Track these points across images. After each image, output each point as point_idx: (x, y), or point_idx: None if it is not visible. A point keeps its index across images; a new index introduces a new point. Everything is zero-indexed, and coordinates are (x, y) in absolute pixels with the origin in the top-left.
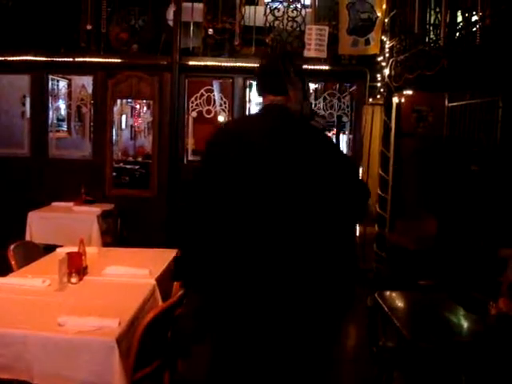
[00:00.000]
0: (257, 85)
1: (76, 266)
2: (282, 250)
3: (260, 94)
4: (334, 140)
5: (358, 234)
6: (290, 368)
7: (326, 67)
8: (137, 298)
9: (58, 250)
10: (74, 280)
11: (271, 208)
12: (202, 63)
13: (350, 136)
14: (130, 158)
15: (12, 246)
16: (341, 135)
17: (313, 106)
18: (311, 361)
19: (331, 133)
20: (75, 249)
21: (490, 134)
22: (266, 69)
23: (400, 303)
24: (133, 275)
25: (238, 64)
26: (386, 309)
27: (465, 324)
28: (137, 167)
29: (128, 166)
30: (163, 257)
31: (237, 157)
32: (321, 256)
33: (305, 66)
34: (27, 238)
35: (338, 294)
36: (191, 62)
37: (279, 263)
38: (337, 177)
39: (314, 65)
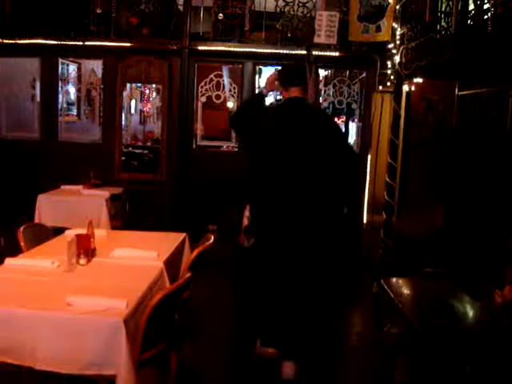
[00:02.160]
0: (282, 80)
1: (85, 248)
2: (301, 198)
3: (284, 87)
4: (344, 127)
5: (365, 221)
6: (306, 272)
7: (336, 54)
8: (145, 279)
9: (67, 232)
10: (82, 261)
11: (297, 170)
12: (212, 48)
13: (360, 124)
14: (139, 143)
15: (21, 228)
16: (350, 123)
17: (323, 92)
18: (320, 270)
19: (340, 120)
20: (84, 231)
21: (499, 123)
22: (292, 66)
23: (405, 289)
24: (141, 258)
25: (247, 49)
26: (391, 295)
27: (470, 311)
28: (145, 152)
29: (137, 151)
30: (171, 240)
31: (275, 140)
32: (326, 203)
33: (315, 53)
34: (36, 220)
35: (337, 228)
36: (201, 47)
37: (300, 206)
38: (337, 148)
39: (324, 51)
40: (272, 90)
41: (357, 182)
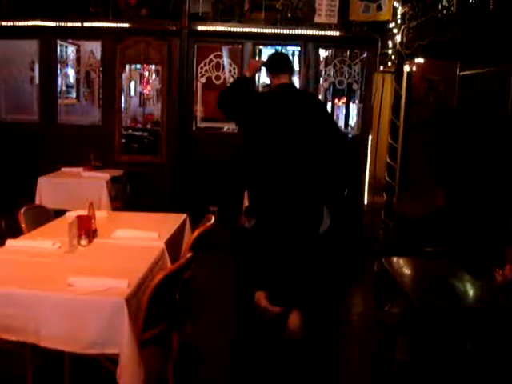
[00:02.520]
0: (272, 68)
1: (86, 229)
2: (292, 171)
3: (274, 74)
4: (344, 108)
5: (366, 202)
6: (297, 238)
7: (337, 33)
8: (146, 260)
9: (68, 213)
10: (83, 242)
11: (288, 150)
12: (212, 28)
13: (360, 105)
14: (139, 125)
15: (22, 210)
16: (350, 104)
17: (323, 72)
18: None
19: (340, 102)
20: (85, 213)
21: (501, 103)
22: (280, 54)
23: (406, 269)
24: (142, 238)
25: (247, 29)
26: (392, 274)
27: (470, 290)
28: (145, 134)
29: (137, 133)
30: (172, 221)
31: (268, 122)
32: (314, 175)
33: (315, 32)
34: (37, 203)
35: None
36: (200, 28)
37: (291, 178)
38: (326, 129)
39: (324, 31)
40: (254, 74)
41: (346, 161)
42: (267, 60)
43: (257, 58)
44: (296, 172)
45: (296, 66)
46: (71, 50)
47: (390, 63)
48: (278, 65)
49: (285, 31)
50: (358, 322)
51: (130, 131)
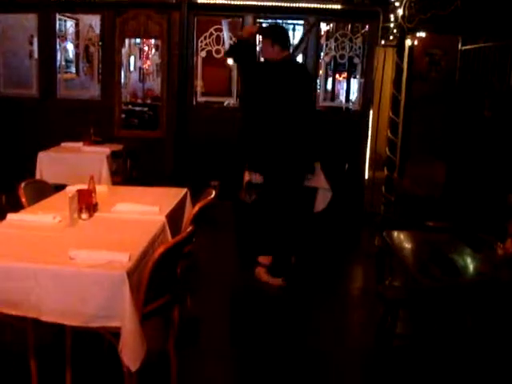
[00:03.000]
0: (282, 42)
1: (86, 203)
2: (288, 125)
3: (281, 48)
4: (345, 83)
5: (367, 177)
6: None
7: (338, 6)
8: (147, 233)
9: (68, 187)
10: (84, 216)
11: (285, 109)
12: (212, 1)
13: (362, 79)
14: (139, 101)
15: (22, 184)
16: (351, 78)
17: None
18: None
19: (342, 77)
20: (85, 187)
21: (502, 78)
22: (284, 30)
23: (407, 243)
24: (143, 212)
25: (247, 2)
26: (393, 248)
27: (471, 264)
28: (145, 109)
29: (137, 108)
30: (173, 195)
31: (271, 84)
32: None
33: (316, 5)
34: (37, 177)
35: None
36: (200, 0)
37: (287, 131)
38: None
39: (325, 4)
40: (248, 39)
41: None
42: (270, 30)
43: (255, 26)
44: (289, 129)
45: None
46: (70, 24)
47: (391, 37)
48: (287, 40)
49: (285, 4)
50: (359, 295)
51: (129, 106)
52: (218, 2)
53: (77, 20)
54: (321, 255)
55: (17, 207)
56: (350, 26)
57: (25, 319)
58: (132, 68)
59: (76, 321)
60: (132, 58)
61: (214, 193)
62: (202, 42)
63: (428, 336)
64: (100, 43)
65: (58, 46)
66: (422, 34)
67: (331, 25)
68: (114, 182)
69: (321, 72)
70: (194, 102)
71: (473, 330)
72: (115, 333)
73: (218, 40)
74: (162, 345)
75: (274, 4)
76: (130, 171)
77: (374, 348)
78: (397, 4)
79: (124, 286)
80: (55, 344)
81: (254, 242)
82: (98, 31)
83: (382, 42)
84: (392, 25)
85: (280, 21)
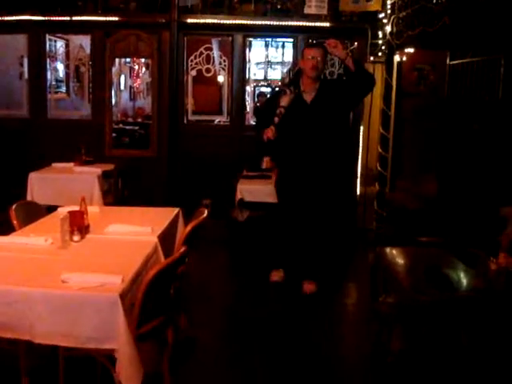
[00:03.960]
0: None
1: (78, 224)
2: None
3: None
4: None
5: (358, 193)
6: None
7: (327, 24)
8: (139, 255)
9: (60, 209)
10: (76, 238)
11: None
12: (201, 21)
13: None
14: (130, 119)
15: (14, 206)
16: None
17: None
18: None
19: None
20: (77, 208)
21: (491, 92)
22: None
23: (400, 259)
24: (135, 233)
25: (237, 21)
26: (386, 264)
27: (465, 279)
28: (136, 128)
29: (128, 127)
30: (165, 215)
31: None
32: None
33: (305, 23)
34: (28, 199)
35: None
36: (190, 20)
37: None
38: None
39: (314, 22)
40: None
41: None
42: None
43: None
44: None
45: (289, 57)
46: (60, 45)
47: (380, 53)
48: None
49: (275, 23)
50: (354, 312)
51: (120, 125)
52: (207, 21)
53: (67, 40)
54: (315, 272)
55: (8, 229)
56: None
57: (16, 342)
58: (122, 87)
59: (70, 342)
60: (122, 77)
61: (206, 212)
62: (192, 60)
63: (423, 352)
64: (90, 63)
65: (48, 66)
66: (411, 50)
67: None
68: (106, 202)
69: None
70: (185, 121)
71: (467, 345)
72: (109, 356)
73: (209, 59)
74: (156, 366)
75: (263, 23)
76: (121, 191)
77: (369, 364)
78: (385, 21)
79: (117, 309)
80: (48, 368)
81: (265, 257)
82: (88, 51)
83: (371, 58)
84: (380, 41)
85: (269, 39)
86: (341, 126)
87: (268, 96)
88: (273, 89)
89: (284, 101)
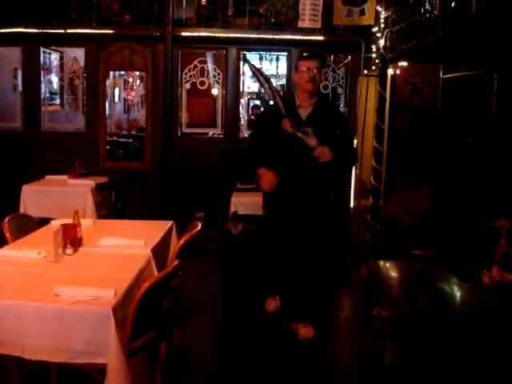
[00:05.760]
0: None
1: (71, 237)
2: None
3: None
4: None
5: (352, 206)
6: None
7: (321, 38)
8: (132, 268)
9: (53, 222)
10: (69, 251)
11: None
12: (195, 34)
13: (345, 109)
14: (124, 132)
15: (6, 219)
16: None
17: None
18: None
19: None
20: (70, 221)
21: (484, 105)
22: None
23: (394, 272)
24: (128, 246)
25: (231, 35)
26: (380, 278)
27: (458, 292)
28: (130, 141)
29: (121, 140)
30: (158, 228)
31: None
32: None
33: (299, 37)
34: (21, 211)
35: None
36: (184, 33)
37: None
38: None
39: (308, 35)
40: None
41: None
42: None
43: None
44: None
45: (283, 70)
46: (54, 57)
47: (373, 67)
48: None
49: (269, 36)
50: (347, 325)
51: (114, 138)
52: (201, 34)
53: (61, 53)
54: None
55: (0, 242)
56: (332, 57)
57: (7, 358)
58: (117, 99)
59: (61, 357)
60: (116, 90)
61: (199, 225)
62: (186, 73)
63: (417, 365)
64: (84, 75)
65: (42, 79)
66: (404, 64)
67: None
68: (99, 215)
69: None
70: (179, 133)
71: (460, 359)
72: (101, 370)
73: (203, 72)
74: (149, 381)
75: (257, 36)
76: (115, 203)
77: (363, 378)
78: (378, 35)
79: (109, 323)
80: (40, 381)
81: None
82: (82, 64)
83: (365, 71)
84: (374, 55)
85: (264, 52)
86: (334, 142)
87: (262, 109)
88: (266, 102)
89: (287, 126)
